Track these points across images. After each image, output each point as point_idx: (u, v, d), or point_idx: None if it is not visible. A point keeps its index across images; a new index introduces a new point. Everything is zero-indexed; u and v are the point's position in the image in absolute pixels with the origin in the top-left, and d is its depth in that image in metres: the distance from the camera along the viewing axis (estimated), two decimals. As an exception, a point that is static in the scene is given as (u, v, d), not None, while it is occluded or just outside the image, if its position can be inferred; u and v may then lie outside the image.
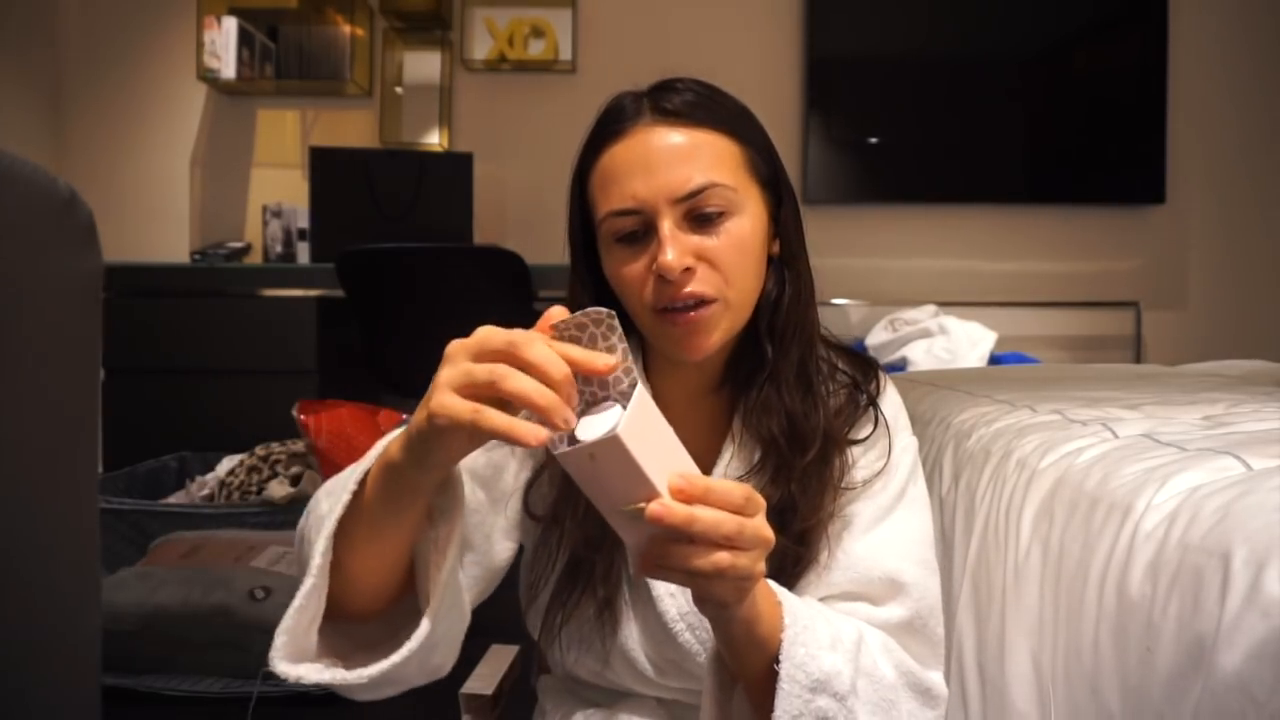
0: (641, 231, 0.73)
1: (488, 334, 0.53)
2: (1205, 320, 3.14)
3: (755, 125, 0.79)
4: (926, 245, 3.14)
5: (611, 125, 0.75)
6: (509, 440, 0.51)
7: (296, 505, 1.82)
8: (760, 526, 0.57)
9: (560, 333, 0.55)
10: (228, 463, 2.15)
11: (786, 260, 0.79)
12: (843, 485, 0.78)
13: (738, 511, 0.56)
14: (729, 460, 0.80)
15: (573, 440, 0.55)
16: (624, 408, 0.54)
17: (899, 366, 2.64)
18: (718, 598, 0.59)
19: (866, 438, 0.80)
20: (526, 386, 0.51)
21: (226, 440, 2.27)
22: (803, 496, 0.76)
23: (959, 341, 2.66)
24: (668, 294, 0.72)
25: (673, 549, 0.55)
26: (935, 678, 0.76)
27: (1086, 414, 1.04)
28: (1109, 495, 0.78)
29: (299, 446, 2.08)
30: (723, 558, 0.55)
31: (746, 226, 0.74)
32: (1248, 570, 0.58)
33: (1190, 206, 3.13)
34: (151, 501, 1.94)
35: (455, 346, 0.54)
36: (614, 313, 0.54)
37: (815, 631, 0.66)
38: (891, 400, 0.84)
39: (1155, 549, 0.68)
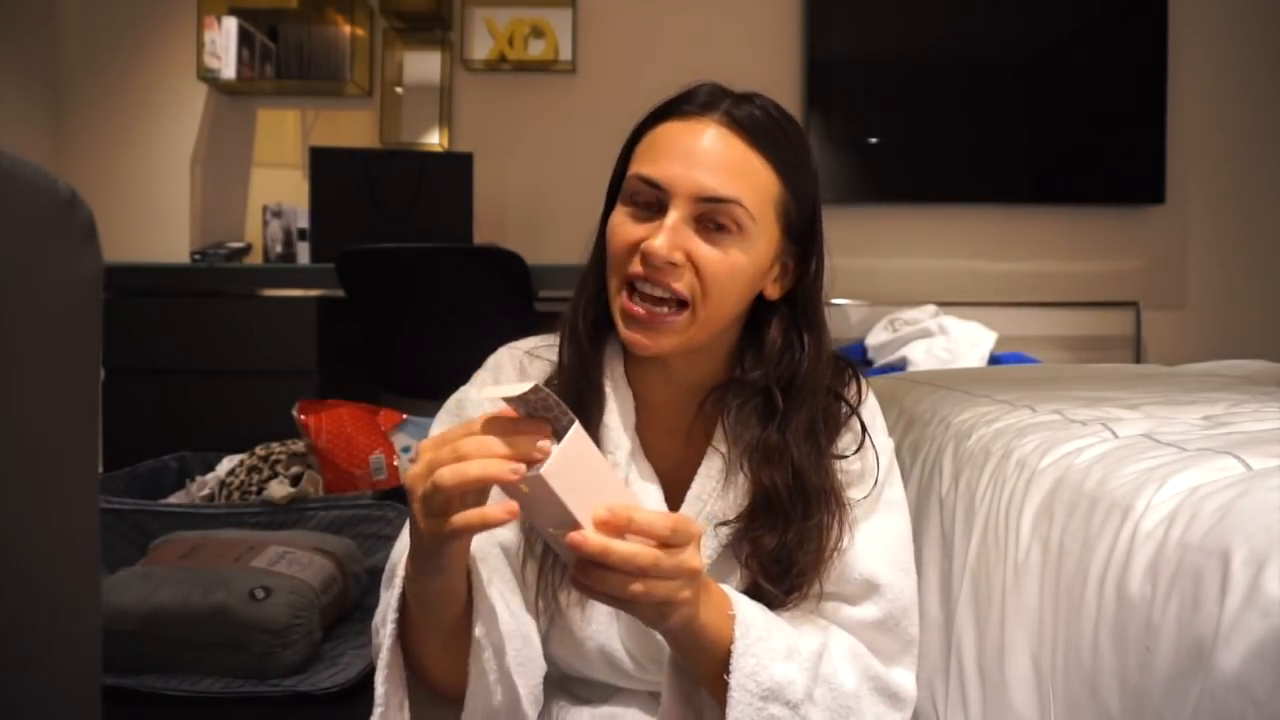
0: (655, 207, 0.74)
1: (431, 455, 0.58)
2: (1205, 320, 3.14)
3: (808, 174, 0.78)
4: (926, 245, 3.14)
5: (682, 104, 0.76)
6: (486, 527, 0.58)
7: (296, 505, 1.82)
8: (686, 559, 0.61)
9: (516, 409, 0.61)
10: (228, 463, 2.15)
11: (807, 321, 0.80)
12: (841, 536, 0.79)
13: (662, 543, 0.60)
14: (711, 474, 0.80)
15: None
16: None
17: (899, 366, 2.64)
18: (639, 617, 0.64)
19: (851, 454, 0.81)
20: (470, 473, 0.56)
21: (226, 440, 2.27)
22: (800, 554, 0.76)
23: (959, 341, 2.65)
24: (643, 274, 0.73)
25: (593, 572, 0.59)
26: (902, 680, 0.79)
27: (1086, 414, 1.04)
28: (1109, 495, 0.78)
29: (299, 446, 2.09)
30: (636, 588, 0.59)
31: (746, 257, 0.74)
32: (1247, 570, 0.58)
33: (1190, 206, 3.13)
34: (151, 501, 1.94)
35: (412, 478, 0.59)
36: (539, 385, 0.58)
37: (770, 642, 0.69)
38: (869, 405, 0.85)
39: (1155, 549, 0.68)
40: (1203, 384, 1.42)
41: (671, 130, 0.75)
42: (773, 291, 0.79)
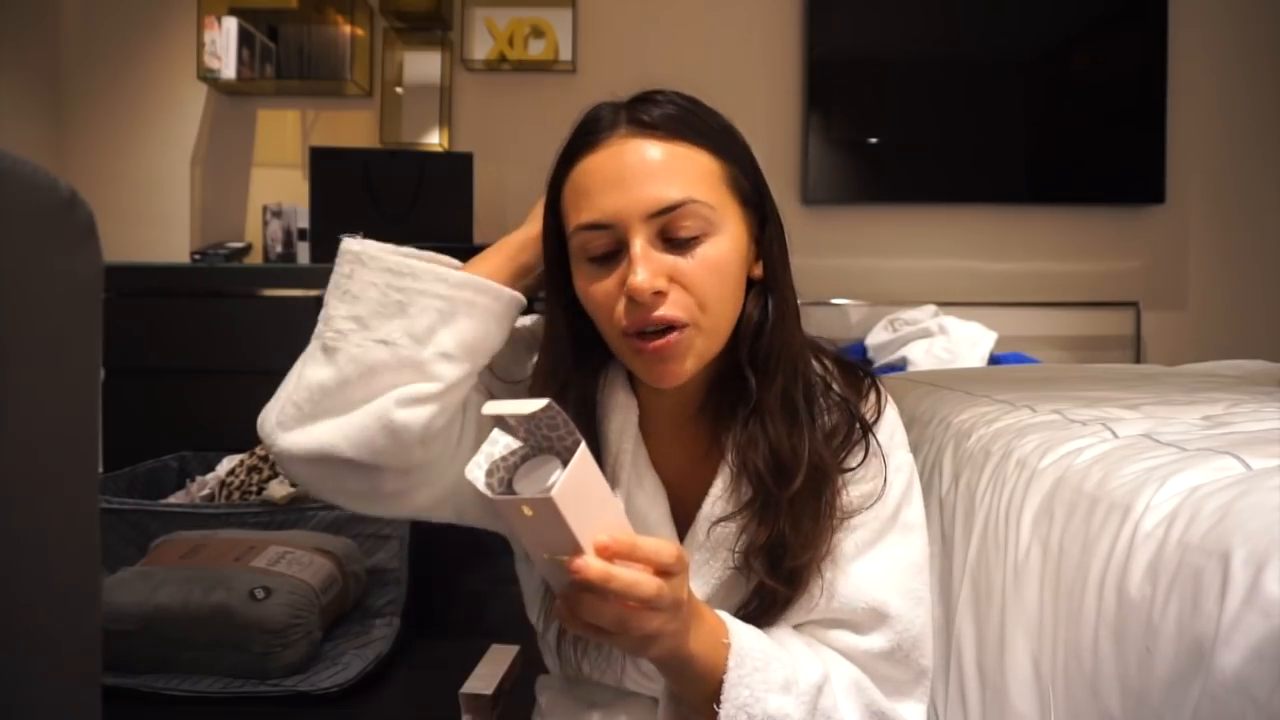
0: (613, 250, 0.70)
1: None
2: (1205, 320, 3.14)
3: (738, 142, 0.75)
4: (926, 245, 3.14)
5: (587, 136, 0.72)
6: None
7: (296, 505, 1.82)
8: (678, 588, 0.59)
9: (512, 431, 0.58)
10: (228, 463, 2.15)
11: (769, 284, 0.75)
12: (836, 517, 0.75)
13: (665, 571, 0.58)
14: (720, 493, 0.76)
15: (510, 488, 0.59)
16: (564, 465, 0.56)
17: (899, 366, 2.64)
18: (622, 648, 0.63)
19: (858, 466, 0.76)
20: None
21: (226, 440, 2.27)
22: (794, 533, 0.72)
23: (959, 341, 2.65)
24: (638, 317, 0.68)
25: (586, 601, 0.57)
26: (908, 716, 0.76)
27: (1086, 414, 1.04)
28: (1109, 495, 0.78)
29: (299, 446, 2.08)
30: (629, 619, 0.57)
31: (724, 247, 0.70)
32: (1247, 570, 0.58)
33: (1190, 206, 3.13)
34: (151, 501, 1.94)
35: None
36: (552, 402, 0.56)
37: (767, 673, 0.67)
38: (888, 419, 0.80)
39: (1155, 549, 0.68)
40: (1203, 384, 1.42)
41: (591, 166, 0.71)
42: (756, 271, 0.76)
